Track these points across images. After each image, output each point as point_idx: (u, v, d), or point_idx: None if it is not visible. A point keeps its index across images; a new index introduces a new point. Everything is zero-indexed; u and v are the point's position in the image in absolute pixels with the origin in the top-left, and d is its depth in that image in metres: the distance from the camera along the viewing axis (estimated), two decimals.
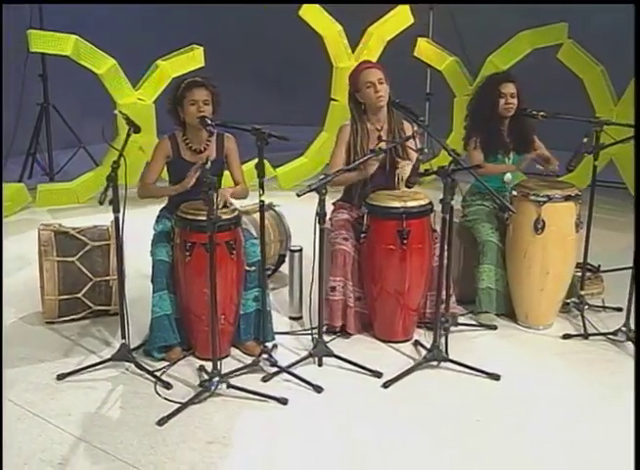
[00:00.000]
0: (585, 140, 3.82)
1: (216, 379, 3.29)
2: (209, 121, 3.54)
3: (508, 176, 4.27)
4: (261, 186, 3.39)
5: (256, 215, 4.69)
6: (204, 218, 3.46)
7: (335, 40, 6.71)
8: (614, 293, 4.37)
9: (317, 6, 6.61)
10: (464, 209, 4.38)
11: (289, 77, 8.53)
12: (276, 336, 3.87)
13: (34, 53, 5.99)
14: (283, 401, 3.29)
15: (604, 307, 4.31)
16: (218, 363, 3.32)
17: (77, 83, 6.52)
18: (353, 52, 6.85)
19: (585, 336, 3.99)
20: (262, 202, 3.41)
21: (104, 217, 3.98)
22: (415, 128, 3.82)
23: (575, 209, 3.96)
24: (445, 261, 3.84)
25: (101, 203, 3.23)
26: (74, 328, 4.01)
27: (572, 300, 4.22)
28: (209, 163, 3.22)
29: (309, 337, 3.85)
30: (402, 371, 3.52)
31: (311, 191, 3.38)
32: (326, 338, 3.87)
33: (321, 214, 3.45)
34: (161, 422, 3.14)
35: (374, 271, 3.82)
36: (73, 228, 4.05)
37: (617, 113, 6.17)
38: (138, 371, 3.54)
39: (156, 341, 3.63)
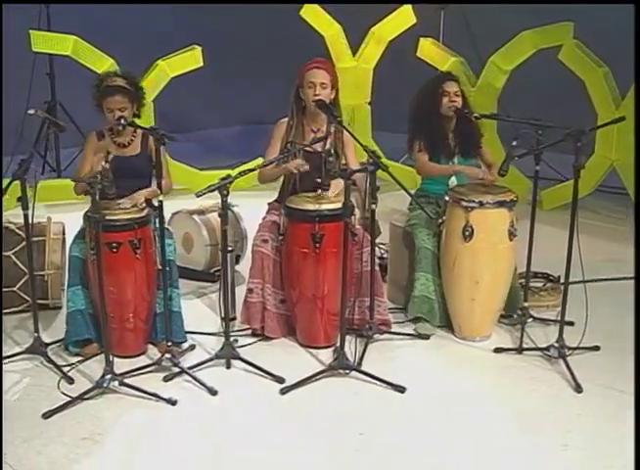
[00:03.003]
0: (514, 143, 3.62)
1: (109, 376, 3.32)
2: (122, 120, 3.59)
3: (453, 180, 4.12)
4: (159, 187, 3.39)
5: (210, 216, 4.77)
6: (108, 218, 3.53)
7: (336, 40, 6.66)
8: (574, 306, 4.13)
9: (317, 6, 6.57)
10: (409, 213, 4.25)
11: None
12: (204, 337, 3.89)
13: (38, 53, 6.19)
14: (171, 402, 3.29)
15: (555, 321, 4.09)
16: (112, 361, 3.34)
17: (84, 81, 6.68)
18: (356, 52, 6.78)
19: (519, 350, 3.80)
20: (161, 202, 3.41)
21: None
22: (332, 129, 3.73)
23: (509, 215, 3.77)
24: (366, 268, 3.80)
25: None
26: (12, 320, 4.10)
27: (517, 312, 4.04)
28: (106, 162, 3.27)
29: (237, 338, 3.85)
30: (302, 378, 3.45)
31: (211, 191, 3.36)
32: (246, 340, 3.88)
33: (223, 215, 3.42)
34: (46, 415, 3.19)
35: (292, 275, 3.75)
36: (15, 224, 4.17)
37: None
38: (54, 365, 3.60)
39: (70, 335, 3.70)
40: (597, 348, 3.83)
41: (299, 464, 2.93)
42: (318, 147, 3.85)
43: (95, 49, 6.20)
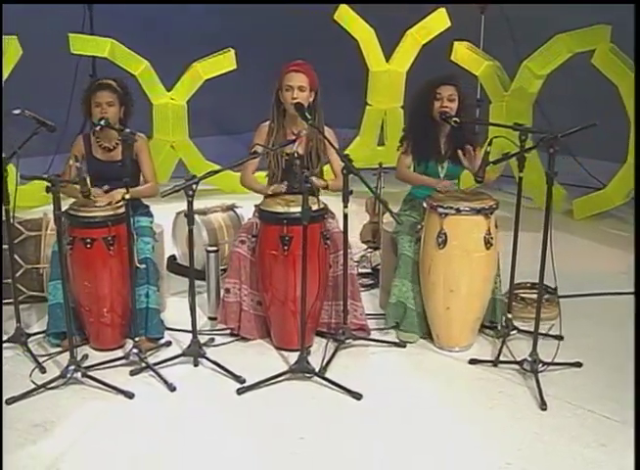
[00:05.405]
0: (489, 149, 3.52)
1: (72, 367, 3.43)
2: (97, 122, 3.69)
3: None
4: (126, 187, 3.47)
5: (212, 216, 4.84)
6: (83, 214, 3.65)
7: (369, 44, 6.63)
8: (570, 320, 3.94)
9: (351, 10, 6.56)
10: None
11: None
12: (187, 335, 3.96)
13: (76, 55, 6.45)
14: (129, 395, 3.36)
15: (543, 334, 3.94)
16: (75, 352, 3.45)
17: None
18: (391, 55, 6.73)
19: (495, 363, 3.68)
20: (127, 200, 3.49)
21: None
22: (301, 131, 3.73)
23: (486, 223, 3.65)
24: (337, 272, 3.77)
25: None
26: (8, 311, 4.23)
27: (500, 323, 3.93)
28: (79, 163, 3.40)
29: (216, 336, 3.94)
30: (260, 380, 3.45)
31: (176, 192, 3.41)
32: (225, 340, 3.92)
33: (189, 216, 3.47)
34: (9, 401, 3.31)
35: (264, 277, 3.76)
36: (16, 218, 4.34)
37: None
38: (35, 354, 3.72)
39: (50, 327, 3.83)
40: (579, 364, 3.67)
41: (228, 463, 2.95)
42: (300, 150, 3.85)
43: (130, 51, 6.42)
